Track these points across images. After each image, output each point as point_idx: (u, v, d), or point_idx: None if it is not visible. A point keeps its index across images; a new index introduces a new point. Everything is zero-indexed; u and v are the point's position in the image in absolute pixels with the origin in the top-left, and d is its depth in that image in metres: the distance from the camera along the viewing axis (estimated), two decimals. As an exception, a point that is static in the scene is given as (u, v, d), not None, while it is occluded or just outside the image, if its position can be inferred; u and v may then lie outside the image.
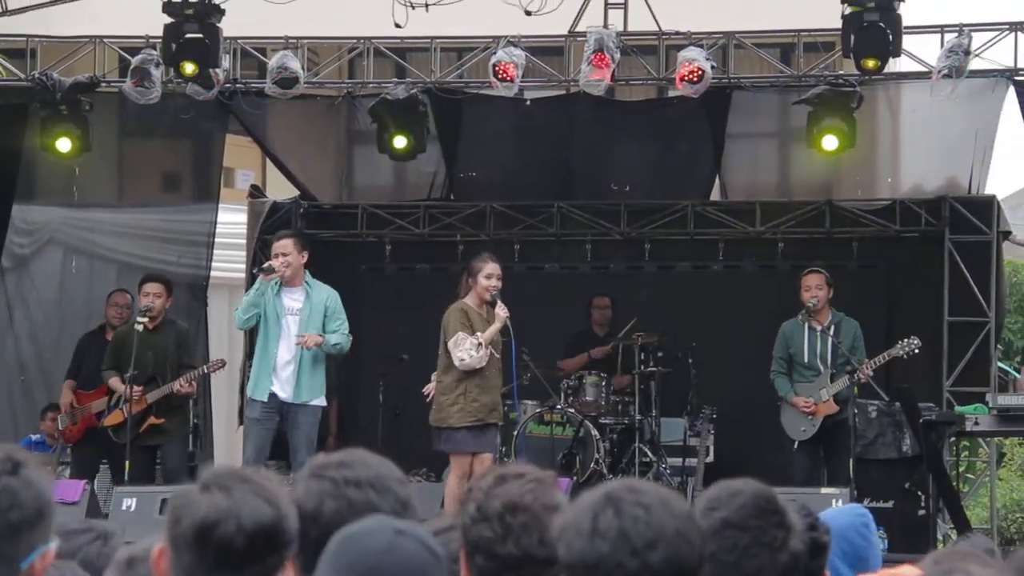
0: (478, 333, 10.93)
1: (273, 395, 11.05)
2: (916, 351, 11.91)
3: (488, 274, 11.04)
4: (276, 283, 11.07)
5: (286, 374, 11.05)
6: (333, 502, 3.05)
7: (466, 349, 10.90)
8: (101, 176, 15.49)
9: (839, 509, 4.68)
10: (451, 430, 11.00)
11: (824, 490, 11.11)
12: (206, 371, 12.26)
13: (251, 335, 14.15)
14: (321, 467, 3.21)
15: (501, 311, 10.90)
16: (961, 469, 14.43)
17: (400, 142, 13.87)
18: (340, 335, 11.17)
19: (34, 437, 13.74)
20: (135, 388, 11.73)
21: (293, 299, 11.12)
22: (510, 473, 3.37)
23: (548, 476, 3.38)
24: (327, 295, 11.25)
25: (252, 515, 2.75)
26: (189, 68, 12.84)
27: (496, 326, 10.92)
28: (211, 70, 13.19)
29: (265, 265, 11.18)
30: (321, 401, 11.28)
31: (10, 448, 2.90)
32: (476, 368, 10.89)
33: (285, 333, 11.07)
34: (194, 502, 2.77)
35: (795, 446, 12.10)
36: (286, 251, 11.10)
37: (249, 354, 14.65)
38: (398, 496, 3.10)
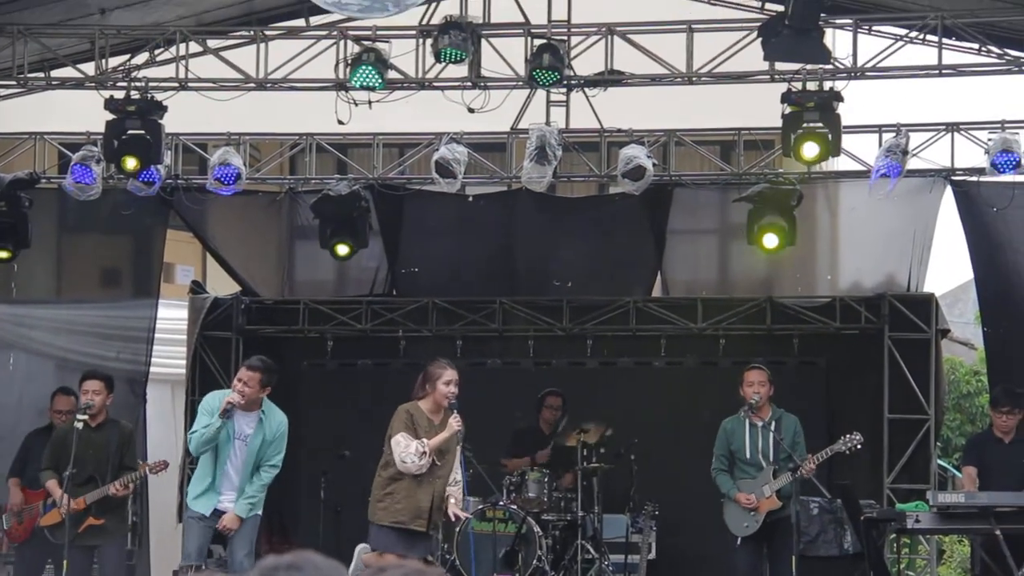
0: (424, 440, 10.82)
1: (216, 510, 11.02)
2: (859, 447, 11.94)
3: (447, 380, 10.95)
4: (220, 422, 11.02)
5: (230, 494, 11.02)
6: None
7: (410, 454, 10.80)
8: (39, 272, 15.41)
9: None
10: (377, 527, 10.94)
11: (768, 588, 11.09)
12: (149, 472, 12.13)
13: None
14: (271, 569, 3.16)
15: (455, 423, 10.78)
16: (902, 566, 14.43)
17: (343, 250, 14.06)
18: (270, 468, 11.11)
19: (4, 528, 13.54)
20: (68, 494, 11.59)
21: (247, 424, 11.06)
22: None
23: (433, 569, 3.42)
24: (278, 424, 11.18)
25: None
26: (131, 164, 12.83)
27: (445, 435, 10.80)
28: (153, 166, 13.17)
29: (225, 405, 11.06)
30: (260, 511, 11.24)
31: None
32: (415, 474, 10.81)
33: (234, 455, 11.03)
34: None
35: (738, 542, 12.07)
36: (250, 384, 11.01)
37: (188, 452, 14.56)
38: None
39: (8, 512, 12.78)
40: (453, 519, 10.95)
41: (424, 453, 10.66)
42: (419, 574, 3.57)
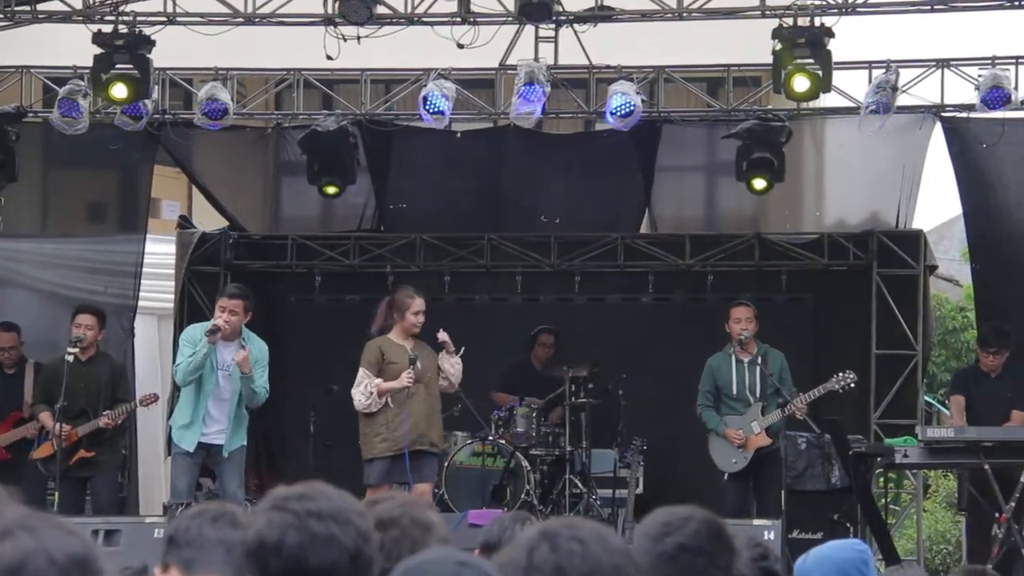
0: (377, 381, 11.00)
1: (200, 444, 11.07)
2: (852, 385, 12.02)
3: (416, 310, 11.18)
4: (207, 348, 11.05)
5: (216, 424, 11.08)
6: (296, 534, 3.04)
7: (358, 391, 11.04)
8: (25, 206, 15.37)
9: (839, 543, 4.70)
10: (368, 462, 11.10)
11: (756, 521, 11.16)
12: (138, 405, 12.17)
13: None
14: (283, 499, 3.20)
15: (406, 378, 10.97)
16: (888, 500, 14.53)
17: (331, 189, 14.11)
18: (261, 384, 11.19)
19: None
20: (65, 425, 11.63)
21: (229, 354, 11.11)
22: (383, 496, 3.48)
23: (420, 499, 3.50)
24: (259, 350, 11.25)
25: (60, 548, 2.74)
26: (120, 92, 12.71)
27: (395, 385, 10.97)
28: (140, 101, 13.12)
29: (212, 326, 11.10)
30: (244, 440, 11.28)
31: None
32: (364, 411, 10.99)
33: (218, 386, 11.08)
34: None
35: (725, 477, 12.16)
36: (235, 311, 11.06)
37: (176, 387, 14.59)
38: (359, 529, 3.10)
39: None
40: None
41: (371, 394, 10.87)
42: (410, 503, 3.62)
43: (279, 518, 3.09)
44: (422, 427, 11.16)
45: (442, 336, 11.25)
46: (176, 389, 14.25)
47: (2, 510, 2.84)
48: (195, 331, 11.39)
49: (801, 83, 12.27)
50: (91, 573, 2.76)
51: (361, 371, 11.17)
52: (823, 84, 12.39)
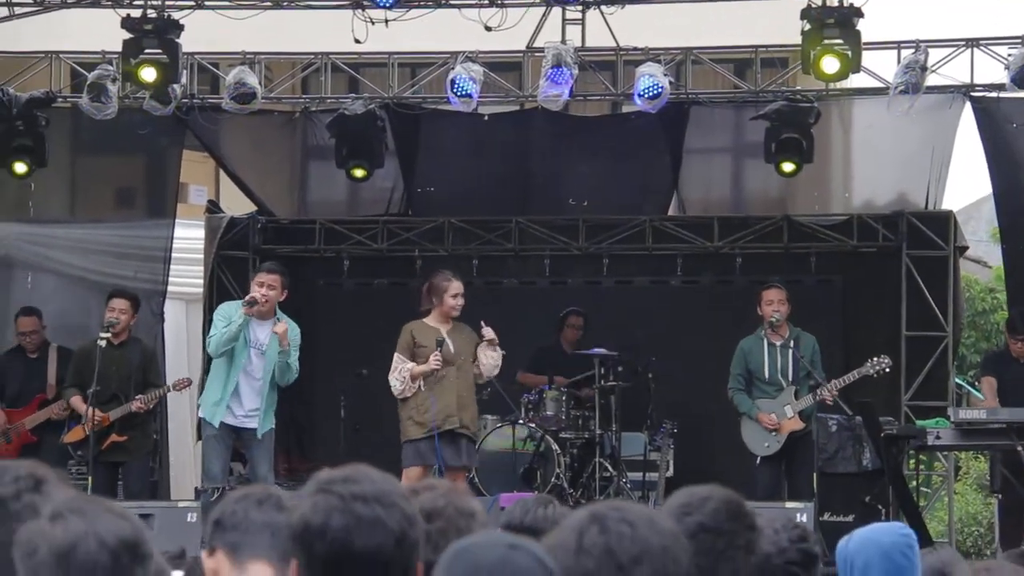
0: (411, 365, 11.03)
1: (233, 428, 11.06)
2: (887, 370, 11.96)
3: (455, 293, 11.21)
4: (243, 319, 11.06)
5: (249, 403, 11.06)
6: (341, 517, 3.03)
7: (393, 376, 11.09)
8: (55, 192, 15.41)
9: (883, 526, 4.66)
10: (406, 443, 11.14)
11: (788, 504, 11.14)
12: (171, 390, 12.21)
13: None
14: (327, 482, 3.20)
15: (434, 361, 10.99)
16: (918, 483, 14.51)
17: (359, 173, 14.05)
18: (295, 361, 11.19)
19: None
20: (97, 409, 11.68)
21: (262, 333, 11.10)
22: (423, 486, 3.47)
23: (460, 486, 3.48)
24: (292, 330, 11.26)
25: (111, 531, 2.75)
26: (149, 74, 12.72)
27: (425, 368, 10.98)
28: (169, 86, 13.13)
29: (249, 298, 11.12)
30: (273, 423, 11.31)
31: (32, 465, 2.89)
32: (398, 397, 10.99)
33: (251, 364, 11.07)
34: (46, 531, 2.77)
35: (758, 461, 12.14)
36: (273, 285, 11.07)
37: (207, 369, 14.61)
38: (404, 512, 3.09)
39: None
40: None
41: (405, 379, 10.91)
42: (452, 492, 3.60)
43: (324, 501, 3.09)
44: (451, 409, 11.17)
45: (487, 333, 11.23)
46: (205, 372, 14.32)
47: (52, 492, 2.86)
48: (229, 307, 11.43)
49: (830, 64, 12.22)
50: (141, 556, 2.77)
51: (396, 356, 11.21)
52: (852, 65, 12.33)
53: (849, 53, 12.28)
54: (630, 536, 2.73)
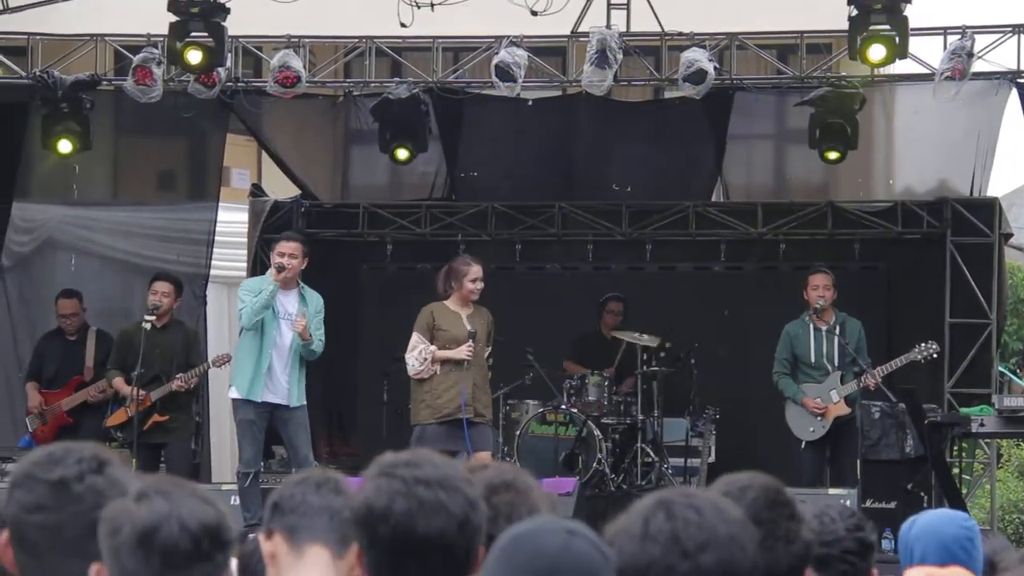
0: (433, 348, 10.99)
1: (267, 404, 11.03)
2: (934, 356, 11.91)
3: (474, 278, 11.17)
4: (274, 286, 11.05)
5: (279, 380, 11.01)
6: (404, 501, 3.04)
7: (412, 356, 11.05)
8: (98, 174, 15.47)
9: (946, 515, 4.63)
10: (420, 427, 11.11)
11: (832, 490, 11.12)
12: (211, 366, 12.24)
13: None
14: (391, 466, 3.20)
15: (465, 351, 10.94)
16: (960, 470, 14.45)
17: (403, 154, 14.02)
18: (318, 340, 11.15)
19: (31, 430, 13.70)
20: (139, 390, 11.72)
21: (288, 303, 11.09)
22: (476, 466, 3.47)
23: (507, 465, 3.50)
24: (318, 300, 11.24)
25: (193, 515, 2.76)
26: (195, 57, 12.75)
27: (452, 354, 10.96)
28: (214, 69, 13.16)
29: (276, 264, 11.14)
30: (305, 399, 11.23)
31: (95, 447, 2.91)
32: (414, 377, 10.96)
33: (280, 336, 11.05)
34: (131, 510, 2.78)
35: (802, 446, 12.11)
36: (294, 254, 11.06)
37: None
38: (467, 496, 3.09)
39: (31, 415, 12.94)
40: None
41: (426, 360, 10.86)
42: (511, 467, 3.60)
43: (387, 485, 3.10)
44: (467, 396, 11.10)
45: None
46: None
47: (115, 475, 2.87)
48: (253, 282, 11.48)
49: (877, 51, 12.15)
50: (221, 542, 2.78)
51: (415, 336, 11.14)
52: (899, 51, 12.27)
53: (896, 39, 12.22)
54: (696, 523, 2.72)
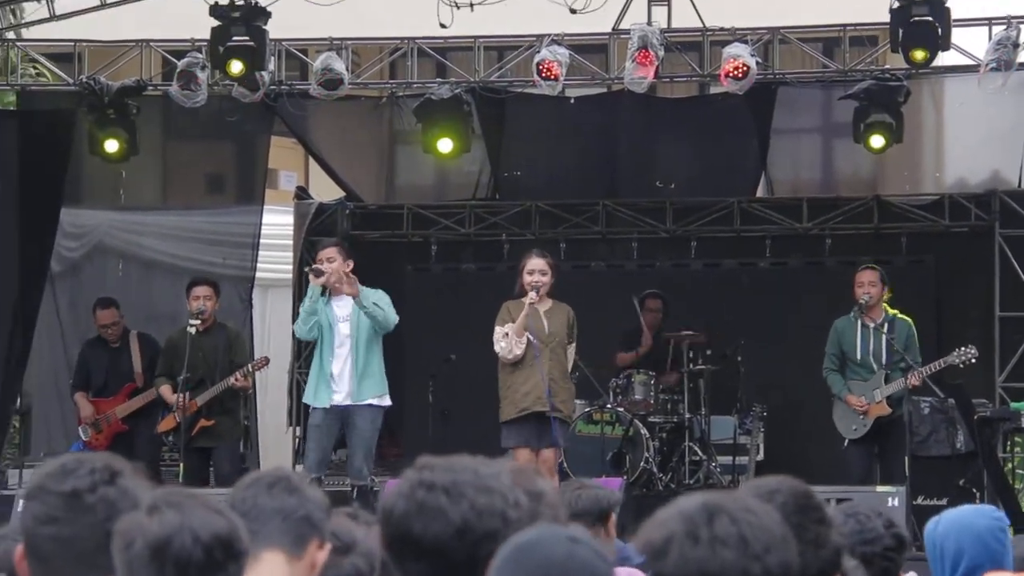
0: (508, 324, 11.07)
1: (336, 408, 11.08)
2: (973, 361, 11.79)
3: (530, 270, 11.24)
4: (326, 294, 11.09)
5: (343, 381, 11.07)
6: (404, 503, 3.04)
7: (496, 340, 11.13)
8: (146, 179, 15.57)
9: (976, 510, 4.60)
10: (504, 424, 11.17)
11: (880, 488, 11.02)
12: (251, 370, 12.29)
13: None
14: (413, 467, 3.21)
15: (529, 298, 10.99)
16: (1013, 465, 14.33)
17: (446, 145, 13.81)
18: (382, 305, 11.12)
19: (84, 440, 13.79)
20: (184, 394, 11.79)
21: (342, 306, 11.14)
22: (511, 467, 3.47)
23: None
24: (375, 295, 11.26)
25: (205, 526, 2.76)
26: (236, 67, 12.85)
27: (522, 315, 10.99)
28: (257, 72, 13.22)
29: (314, 266, 11.20)
30: (382, 400, 11.22)
31: (107, 457, 2.92)
32: (510, 360, 10.96)
33: (338, 340, 11.11)
34: (143, 523, 2.78)
35: (846, 443, 12.03)
36: (331, 258, 11.12)
37: (297, 354, 14.72)
38: (475, 504, 3.07)
39: (84, 424, 13.00)
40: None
41: (506, 335, 10.92)
42: (519, 476, 3.57)
43: (397, 486, 3.12)
44: (540, 391, 11.13)
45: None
46: (298, 360, 14.46)
47: (128, 485, 2.88)
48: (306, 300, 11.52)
49: (918, 54, 12.07)
50: (234, 553, 2.78)
51: (496, 330, 11.22)
52: (941, 43, 12.17)
53: (939, 30, 12.13)
54: (759, 525, 2.72)
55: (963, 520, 4.49)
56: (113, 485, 2.89)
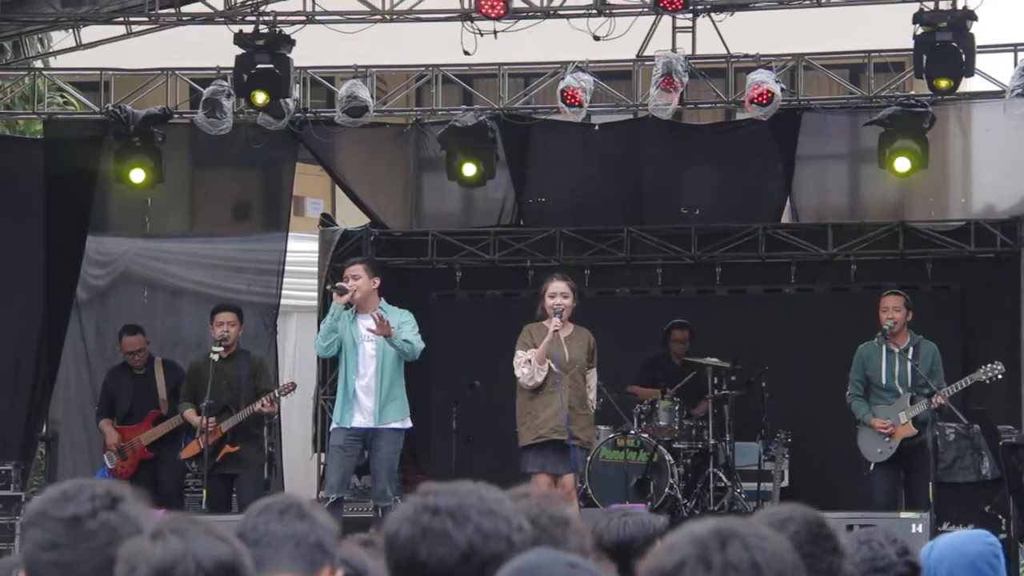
0: (530, 350, 11.06)
1: (358, 431, 11.06)
2: (999, 376, 11.77)
3: (551, 293, 11.22)
4: (352, 311, 11.08)
5: (366, 401, 11.06)
6: (409, 527, 3.06)
7: (518, 365, 11.11)
8: (172, 206, 15.63)
9: (969, 535, 4.59)
10: (522, 449, 11.15)
11: (904, 514, 10.98)
12: (278, 395, 12.31)
13: (324, 362, 14.22)
14: (418, 493, 3.22)
15: (551, 323, 10.97)
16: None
17: (470, 170, 13.90)
18: (410, 337, 11.10)
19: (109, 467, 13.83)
20: (209, 420, 11.81)
21: (368, 325, 11.11)
22: (515, 494, 3.47)
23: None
24: (401, 314, 11.25)
25: (209, 553, 2.76)
26: (260, 98, 12.95)
27: (546, 341, 10.97)
28: (281, 100, 13.29)
29: (338, 284, 11.21)
30: (403, 423, 11.22)
31: (109, 484, 2.93)
32: (530, 386, 10.95)
33: (363, 360, 11.08)
34: (147, 549, 2.77)
35: (871, 468, 11.99)
36: (357, 275, 11.12)
37: (322, 381, 14.74)
38: (480, 528, 3.07)
39: (109, 451, 13.04)
40: None
41: (528, 361, 10.90)
42: (546, 499, 3.59)
43: (403, 510, 3.12)
44: (559, 419, 11.10)
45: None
46: (321, 384, 14.46)
47: (129, 511, 2.88)
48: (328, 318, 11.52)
49: (942, 84, 12.06)
50: None
51: (517, 353, 11.20)
52: (966, 70, 12.15)
53: (963, 56, 12.11)
54: (770, 551, 2.70)
55: (956, 546, 4.48)
56: (114, 511, 2.89)
